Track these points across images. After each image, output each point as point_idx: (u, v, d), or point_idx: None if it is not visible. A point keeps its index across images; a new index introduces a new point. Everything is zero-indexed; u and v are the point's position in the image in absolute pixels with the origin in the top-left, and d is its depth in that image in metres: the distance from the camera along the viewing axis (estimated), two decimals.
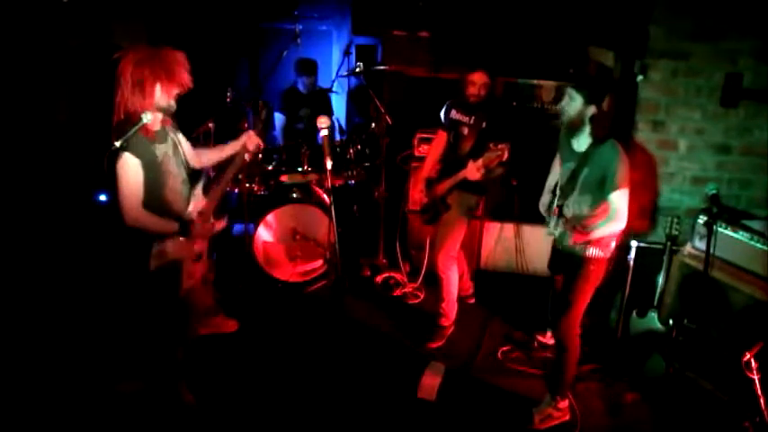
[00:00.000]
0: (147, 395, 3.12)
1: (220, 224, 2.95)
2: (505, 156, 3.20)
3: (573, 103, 2.83)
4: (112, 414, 3.03)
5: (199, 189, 2.89)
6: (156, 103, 2.60)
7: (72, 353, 3.42)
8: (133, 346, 3.44)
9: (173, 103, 2.65)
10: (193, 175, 2.92)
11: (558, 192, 3.02)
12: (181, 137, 2.92)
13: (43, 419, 2.99)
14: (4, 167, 3.76)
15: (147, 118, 2.55)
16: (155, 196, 2.64)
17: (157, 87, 2.56)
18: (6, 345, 3.39)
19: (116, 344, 3.49)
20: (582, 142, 2.90)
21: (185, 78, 2.62)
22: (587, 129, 2.86)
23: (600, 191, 2.82)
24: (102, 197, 4.17)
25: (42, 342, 3.48)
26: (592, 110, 2.81)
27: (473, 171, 3.36)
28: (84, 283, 3.91)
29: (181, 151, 2.85)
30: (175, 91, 2.62)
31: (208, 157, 3.09)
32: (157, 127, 2.69)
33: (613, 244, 2.94)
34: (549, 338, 3.71)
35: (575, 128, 2.88)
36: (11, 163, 3.78)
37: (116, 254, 3.71)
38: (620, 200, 2.77)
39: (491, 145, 3.25)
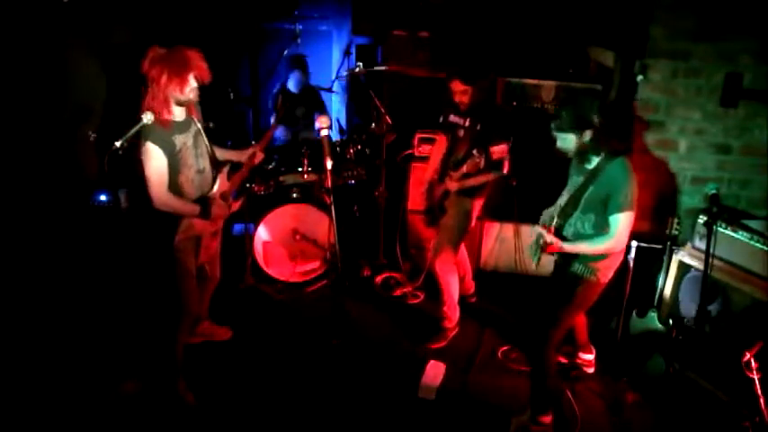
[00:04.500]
0: (147, 395, 3.13)
1: (236, 205, 3.27)
2: (482, 164, 3.21)
3: (567, 141, 2.75)
4: (113, 414, 3.03)
5: (224, 173, 3.18)
6: (173, 97, 2.80)
7: (73, 353, 3.42)
8: (133, 346, 3.44)
9: (191, 95, 2.84)
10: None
11: (559, 210, 2.90)
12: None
13: (44, 419, 2.99)
14: (5, 166, 3.76)
15: (148, 118, 2.68)
16: (170, 183, 2.85)
17: (170, 83, 2.74)
18: (7, 345, 3.39)
19: (116, 344, 3.49)
20: (592, 160, 2.79)
21: (199, 72, 2.81)
22: (593, 150, 2.75)
23: (603, 210, 2.71)
24: (103, 197, 4.17)
25: (43, 342, 3.48)
26: (588, 134, 2.69)
27: (450, 182, 3.46)
28: (85, 284, 3.91)
29: (204, 140, 3.06)
30: (187, 85, 2.79)
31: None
32: (179, 118, 2.91)
33: (612, 272, 2.86)
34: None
35: (581, 154, 2.79)
36: (12, 162, 3.77)
37: (138, 231, 3.91)
38: (621, 223, 2.65)
39: (474, 152, 3.27)
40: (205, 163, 3.06)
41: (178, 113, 2.90)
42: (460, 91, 3.49)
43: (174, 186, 2.89)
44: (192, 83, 2.81)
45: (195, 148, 2.98)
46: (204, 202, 3.00)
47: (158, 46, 2.78)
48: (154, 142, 2.76)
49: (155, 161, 2.78)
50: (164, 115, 2.80)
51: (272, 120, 5.07)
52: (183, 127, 2.92)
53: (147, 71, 2.74)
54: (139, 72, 2.76)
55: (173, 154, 2.84)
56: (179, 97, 2.81)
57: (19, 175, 3.78)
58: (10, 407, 3.02)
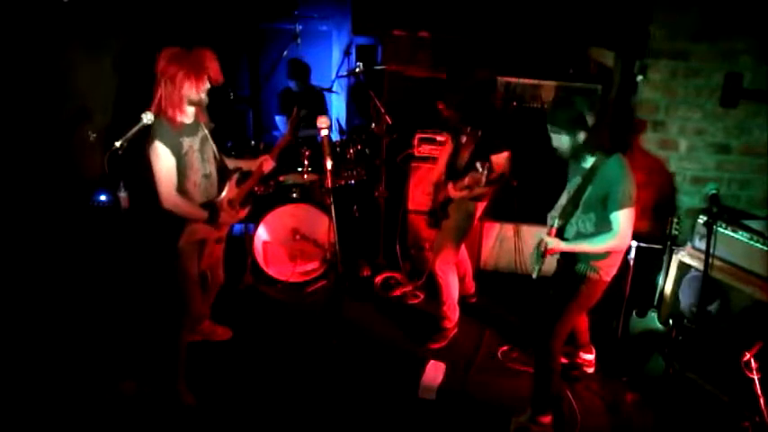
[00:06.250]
0: (147, 395, 3.13)
1: (243, 212, 3.23)
2: (483, 180, 3.19)
3: (562, 141, 2.75)
4: (113, 414, 3.03)
5: (233, 179, 3.17)
6: (188, 97, 2.80)
7: (73, 353, 3.42)
8: (133, 346, 3.44)
9: (204, 96, 2.85)
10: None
11: (560, 211, 2.91)
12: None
13: (44, 420, 2.99)
14: (5, 166, 3.76)
15: (148, 118, 2.67)
16: (177, 185, 2.86)
17: (186, 82, 2.76)
18: (7, 345, 3.39)
19: (116, 344, 3.49)
20: (588, 160, 2.80)
21: (213, 73, 2.83)
22: (586, 150, 2.76)
23: (603, 209, 2.71)
24: (103, 197, 4.17)
25: (43, 343, 3.48)
26: (582, 135, 2.70)
27: (451, 190, 3.50)
28: (85, 284, 3.91)
29: (211, 146, 3.05)
30: (203, 85, 2.82)
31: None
32: (188, 120, 2.91)
33: (615, 269, 2.86)
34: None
35: (576, 155, 2.79)
36: (12, 162, 3.78)
37: (139, 232, 3.84)
38: (622, 220, 2.66)
39: (477, 164, 3.25)
40: (211, 168, 3.04)
41: (188, 115, 2.89)
42: (446, 115, 3.59)
43: (181, 189, 2.88)
44: (207, 83, 2.83)
45: (201, 152, 2.97)
46: (212, 207, 3.00)
47: (171, 45, 2.77)
48: (162, 142, 2.76)
49: (163, 160, 2.78)
50: (175, 116, 2.80)
51: (278, 121, 5.09)
52: (190, 130, 2.92)
53: (164, 70, 2.73)
54: (153, 70, 2.75)
55: (180, 155, 2.84)
56: (193, 97, 2.81)
57: (19, 176, 3.78)
58: (10, 407, 3.02)
